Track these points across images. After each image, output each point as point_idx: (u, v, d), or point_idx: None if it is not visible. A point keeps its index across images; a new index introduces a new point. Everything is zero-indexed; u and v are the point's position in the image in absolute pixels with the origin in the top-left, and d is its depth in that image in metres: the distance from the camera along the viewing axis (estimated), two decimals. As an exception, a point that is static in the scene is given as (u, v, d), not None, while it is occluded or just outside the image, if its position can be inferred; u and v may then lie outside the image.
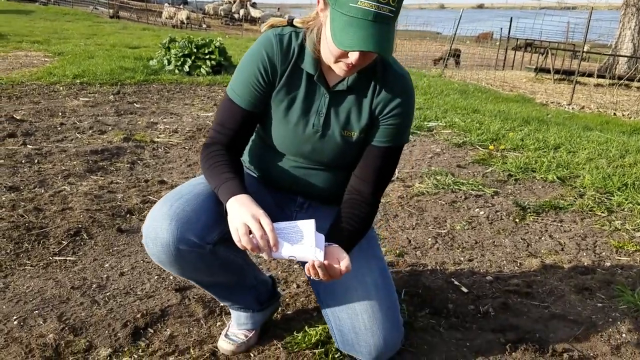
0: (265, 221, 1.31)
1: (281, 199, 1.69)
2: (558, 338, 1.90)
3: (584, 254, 2.62)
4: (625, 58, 12.44)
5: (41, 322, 1.87)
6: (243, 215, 1.31)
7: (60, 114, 5.04)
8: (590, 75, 11.30)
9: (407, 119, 1.53)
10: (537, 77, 12.16)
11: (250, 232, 1.31)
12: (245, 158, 1.73)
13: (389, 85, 1.49)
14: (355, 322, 1.57)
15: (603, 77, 11.40)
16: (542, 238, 2.80)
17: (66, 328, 1.84)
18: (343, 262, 1.36)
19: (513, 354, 1.78)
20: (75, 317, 1.91)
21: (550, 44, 15.76)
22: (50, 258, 2.36)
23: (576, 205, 3.26)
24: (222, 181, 1.42)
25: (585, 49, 18.37)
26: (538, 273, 2.40)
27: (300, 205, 1.70)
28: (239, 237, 1.30)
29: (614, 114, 7.64)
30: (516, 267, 2.46)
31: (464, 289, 2.21)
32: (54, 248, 2.44)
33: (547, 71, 12.12)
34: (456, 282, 2.26)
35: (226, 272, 1.59)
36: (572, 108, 7.95)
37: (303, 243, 1.32)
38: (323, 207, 1.68)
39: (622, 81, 10.62)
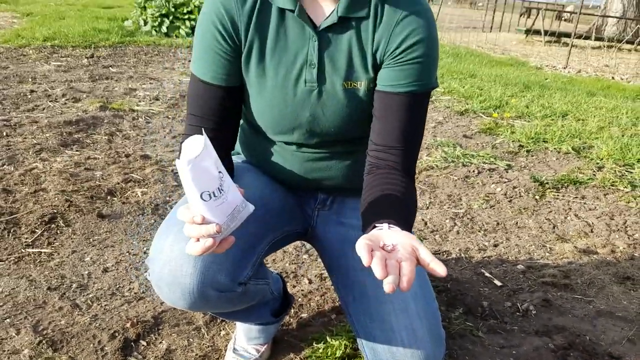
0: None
1: (301, 197, 1.38)
2: (610, 340, 1.68)
3: (617, 236, 2.39)
4: (614, 20, 12.14)
5: (14, 334, 1.58)
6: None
7: (30, 79, 4.61)
8: (587, 37, 10.93)
9: (431, 48, 1.08)
10: (527, 39, 11.84)
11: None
12: (241, 154, 1.39)
13: (397, 5, 1.09)
14: (393, 341, 1.30)
15: (601, 39, 11.00)
16: (568, 218, 2.56)
17: (44, 341, 1.55)
18: (422, 250, 0.83)
19: (565, 362, 1.55)
20: (54, 326, 1.62)
21: (539, 4, 15.38)
22: (23, 250, 2.05)
23: (596, 180, 3.02)
24: None
25: (571, 10, 18.01)
26: (572, 260, 2.17)
27: (322, 203, 1.38)
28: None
29: (612, 77, 7.40)
30: (547, 253, 2.22)
31: (497, 282, 1.96)
32: (26, 238, 2.13)
33: (538, 33, 11.80)
34: (487, 274, 2.02)
35: (250, 302, 1.30)
36: (569, 72, 7.69)
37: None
38: (350, 200, 1.38)
39: (620, 44, 10.32)
